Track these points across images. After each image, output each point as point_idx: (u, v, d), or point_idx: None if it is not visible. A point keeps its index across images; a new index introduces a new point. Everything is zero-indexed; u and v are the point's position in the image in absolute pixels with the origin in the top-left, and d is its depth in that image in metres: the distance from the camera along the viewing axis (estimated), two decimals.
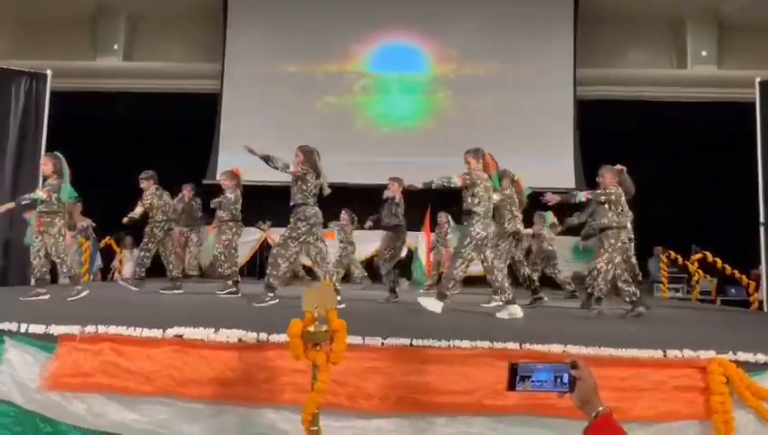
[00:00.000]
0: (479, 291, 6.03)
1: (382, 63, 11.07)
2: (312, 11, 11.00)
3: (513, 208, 5.47)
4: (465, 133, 10.30)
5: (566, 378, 1.42)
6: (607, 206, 4.81)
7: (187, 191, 7.99)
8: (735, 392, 2.62)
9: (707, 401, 2.61)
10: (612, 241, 4.72)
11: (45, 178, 4.93)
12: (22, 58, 9.97)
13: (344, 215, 7.73)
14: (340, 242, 7.69)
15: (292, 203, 4.80)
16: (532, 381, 1.41)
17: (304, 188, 4.76)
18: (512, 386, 1.41)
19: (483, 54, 10.81)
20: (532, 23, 10.80)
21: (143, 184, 6.16)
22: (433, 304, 4.35)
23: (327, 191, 4.92)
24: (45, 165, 4.90)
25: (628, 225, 4.94)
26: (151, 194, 6.07)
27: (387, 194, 5.80)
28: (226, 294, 5.70)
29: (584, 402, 1.39)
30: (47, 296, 4.68)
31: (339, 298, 4.36)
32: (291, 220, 4.80)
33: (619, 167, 5.18)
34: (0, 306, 3.85)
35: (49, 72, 7.16)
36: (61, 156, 4.95)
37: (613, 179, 4.95)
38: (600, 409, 1.37)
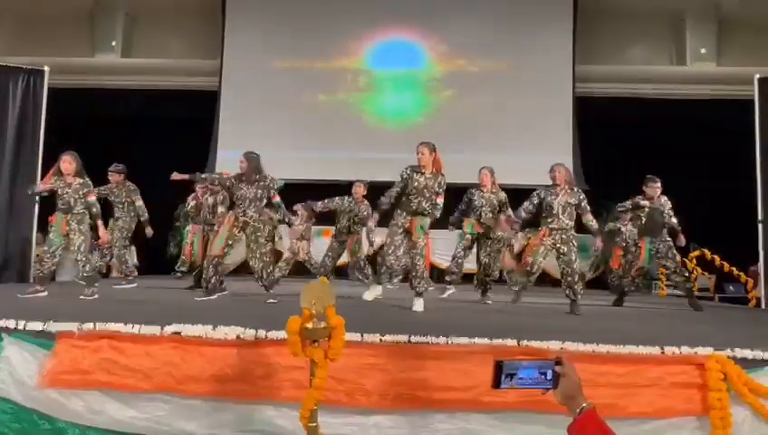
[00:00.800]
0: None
1: (381, 60, 11.06)
2: (310, 8, 10.98)
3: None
4: (465, 130, 10.32)
5: (550, 374, 1.41)
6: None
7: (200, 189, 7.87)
8: (733, 389, 2.62)
9: (705, 397, 2.62)
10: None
11: (61, 175, 4.85)
12: (19, 54, 9.94)
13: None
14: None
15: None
16: (518, 379, 1.40)
17: None
18: (497, 384, 1.41)
19: (482, 51, 10.80)
20: (531, 19, 10.78)
21: (114, 177, 6.22)
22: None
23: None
24: (70, 163, 4.83)
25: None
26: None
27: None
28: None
29: (568, 399, 1.39)
30: (45, 294, 4.69)
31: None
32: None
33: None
34: None
35: (46, 68, 7.14)
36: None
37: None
38: (584, 405, 1.37)
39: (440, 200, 4.60)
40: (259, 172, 5.01)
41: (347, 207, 6.50)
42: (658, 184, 5.66)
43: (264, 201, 5.05)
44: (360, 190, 6.56)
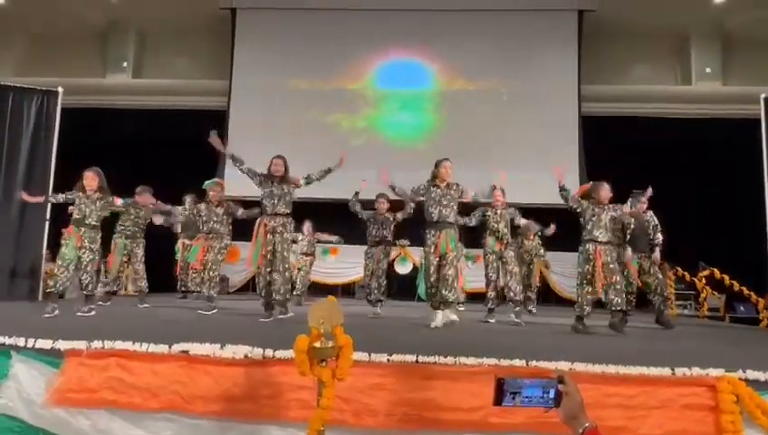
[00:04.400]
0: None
1: (388, 80, 11.18)
2: (319, 28, 11.16)
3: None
4: (471, 148, 10.38)
5: (552, 393, 1.40)
6: None
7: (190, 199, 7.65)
8: (746, 411, 2.58)
9: (717, 419, 2.58)
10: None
11: (83, 191, 4.90)
12: (33, 75, 10.15)
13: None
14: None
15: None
16: (520, 397, 1.39)
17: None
18: (498, 401, 1.40)
19: (488, 70, 10.90)
20: (536, 40, 10.90)
21: (143, 198, 6.21)
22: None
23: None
24: (93, 179, 4.89)
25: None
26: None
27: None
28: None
29: (570, 418, 1.38)
30: (57, 313, 4.67)
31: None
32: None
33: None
34: (8, 321, 3.87)
35: (60, 89, 7.27)
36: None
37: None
38: (587, 425, 1.36)
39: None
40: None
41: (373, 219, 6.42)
42: (645, 199, 5.63)
43: (290, 204, 5.11)
44: (382, 205, 6.40)
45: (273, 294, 4.91)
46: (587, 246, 4.83)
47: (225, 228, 6.00)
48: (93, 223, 4.86)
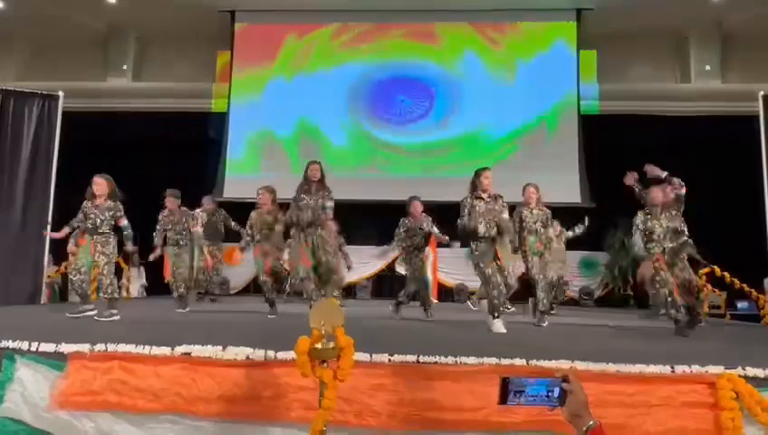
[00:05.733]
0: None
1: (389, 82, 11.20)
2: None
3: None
4: (471, 149, 10.41)
5: (557, 392, 1.41)
6: None
7: (207, 204, 7.61)
8: (745, 408, 2.59)
9: (717, 417, 2.59)
10: None
11: (94, 197, 4.92)
12: (34, 80, 10.18)
13: None
14: None
15: None
16: (525, 396, 1.41)
17: None
18: (503, 400, 1.42)
19: (488, 69, 10.91)
20: (535, 38, 10.92)
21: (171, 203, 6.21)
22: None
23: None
24: (101, 185, 4.90)
25: None
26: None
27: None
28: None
29: (574, 416, 1.39)
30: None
31: None
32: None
33: None
34: (11, 325, 3.89)
35: (61, 93, 7.30)
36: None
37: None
38: (591, 423, 1.37)
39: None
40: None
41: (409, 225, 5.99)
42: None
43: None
44: (417, 207, 5.99)
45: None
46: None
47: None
48: (105, 231, 4.90)
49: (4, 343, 2.96)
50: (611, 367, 2.72)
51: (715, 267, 7.73)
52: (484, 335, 4.27)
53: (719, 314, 8.47)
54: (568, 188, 10.05)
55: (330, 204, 5.32)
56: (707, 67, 11.09)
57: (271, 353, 2.79)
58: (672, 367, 2.72)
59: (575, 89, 10.69)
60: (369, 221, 9.31)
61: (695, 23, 10.91)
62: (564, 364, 2.74)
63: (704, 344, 4.11)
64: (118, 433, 2.73)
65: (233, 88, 11.10)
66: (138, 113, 11.16)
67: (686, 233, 4.74)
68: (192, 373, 2.80)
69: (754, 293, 7.53)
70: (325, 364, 2.28)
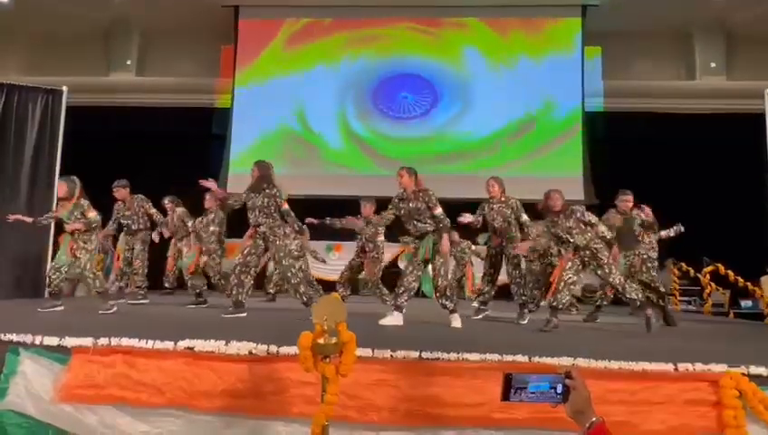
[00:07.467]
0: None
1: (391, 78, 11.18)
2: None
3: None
4: (473, 146, 10.40)
5: (560, 388, 1.41)
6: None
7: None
8: (749, 407, 2.59)
9: (720, 415, 2.59)
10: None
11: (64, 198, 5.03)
12: (37, 75, 10.19)
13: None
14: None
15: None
16: (528, 392, 1.41)
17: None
18: (506, 396, 1.42)
19: (492, 66, 10.88)
20: (540, 34, 10.88)
21: (120, 193, 6.24)
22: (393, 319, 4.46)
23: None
24: (60, 188, 5.08)
25: None
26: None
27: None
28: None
29: (577, 413, 1.39)
30: (62, 308, 4.78)
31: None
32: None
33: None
34: (15, 318, 3.91)
35: (65, 88, 7.30)
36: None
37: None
38: (594, 419, 1.36)
39: (437, 212, 4.54)
40: (268, 182, 5.05)
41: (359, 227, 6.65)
42: (630, 197, 5.54)
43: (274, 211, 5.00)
44: (366, 209, 6.66)
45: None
46: None
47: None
48: (91, 227, 4.94)
49: (9, 337, 2.97)
50: (614, 364, 2.72)
51: (719, 265, 7.71)
52: (487, 332, 4.27)
53: (723, 313, 8.45)
54: (571, 184, 10.02)
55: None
56: (712, 64, 11.04)
57: (273, 348, 2.80)
58: (675, 365, 2.72)
59: (579, 86, 10.65)
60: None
61: (699, 19, 10.86)
62: (566, 361, 2.74)
63: (707, 343, 4.10)
64: (121, 426, 2.75)
65: (236, 83, 11.11)
66: (141, 109, 11.18)
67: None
68: (195, 368, 2.81)
69: (758, 291, 7.50)
70: (327, 359, 2.28)
